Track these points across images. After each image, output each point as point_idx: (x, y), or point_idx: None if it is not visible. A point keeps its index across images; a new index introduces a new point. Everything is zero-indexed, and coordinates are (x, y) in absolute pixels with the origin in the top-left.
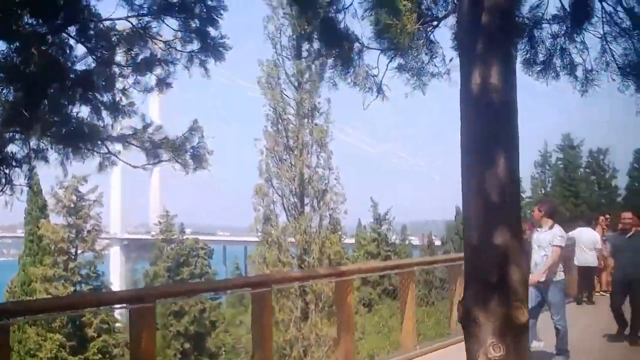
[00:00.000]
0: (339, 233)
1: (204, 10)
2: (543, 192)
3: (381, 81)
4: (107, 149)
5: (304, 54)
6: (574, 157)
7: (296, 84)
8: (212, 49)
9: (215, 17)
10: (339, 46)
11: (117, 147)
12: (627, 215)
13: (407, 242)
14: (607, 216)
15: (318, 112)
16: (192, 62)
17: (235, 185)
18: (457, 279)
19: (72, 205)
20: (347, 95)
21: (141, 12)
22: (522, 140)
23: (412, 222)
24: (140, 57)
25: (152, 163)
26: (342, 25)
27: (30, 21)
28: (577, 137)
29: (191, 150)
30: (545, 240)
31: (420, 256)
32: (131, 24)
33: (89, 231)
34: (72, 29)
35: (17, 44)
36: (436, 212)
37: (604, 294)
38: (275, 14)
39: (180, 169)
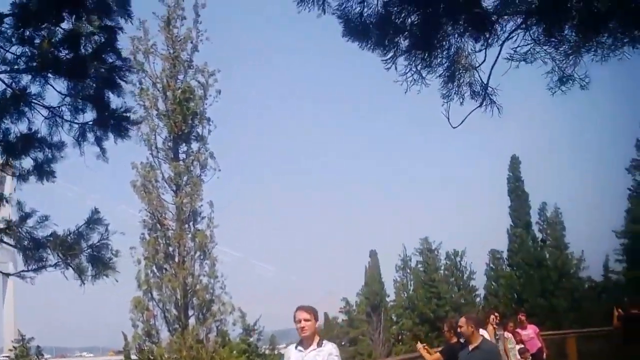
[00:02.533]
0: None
1: (103, 69)
2: (406, 295)
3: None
4: None
5: (182, 155)
6: (433, 260)
7: (174, 187)
8: (114, 121)
9: (118, 79)
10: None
11: None
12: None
13: (276, 351)
14: (497, 314)
15: (200, 216)
16: (85, 138)
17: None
18: None
19: None
20: None
21: (17, 67)
22: (381, 245)
23: (278, 331)
24: (14, 131)
25: (33, 269)
26: None
27: None
28: (435, 239)
29: (89, 251)
30: None
31: None
32: (4, 83)
33: None
34: None
35: None
36: None
37: None
38: (150, 114)
39: (75, 276)
